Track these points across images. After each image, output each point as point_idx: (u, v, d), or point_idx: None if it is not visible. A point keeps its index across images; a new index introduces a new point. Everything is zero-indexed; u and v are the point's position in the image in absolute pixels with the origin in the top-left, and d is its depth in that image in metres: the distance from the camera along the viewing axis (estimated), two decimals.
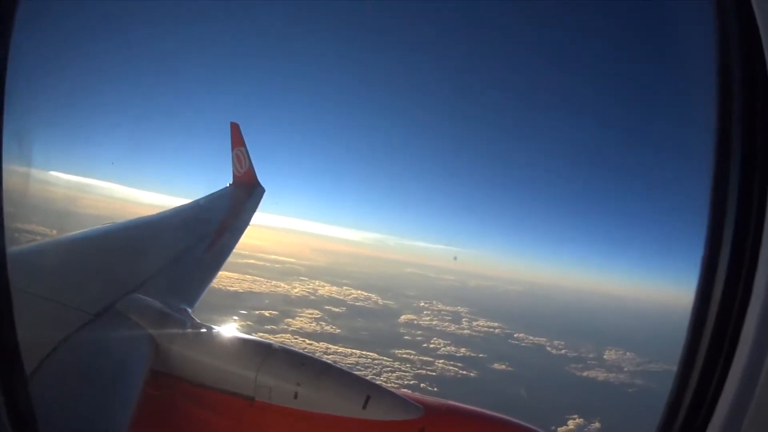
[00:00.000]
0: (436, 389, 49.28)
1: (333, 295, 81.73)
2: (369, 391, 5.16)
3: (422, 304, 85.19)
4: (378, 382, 5.45)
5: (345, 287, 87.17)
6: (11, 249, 6.27)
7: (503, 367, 59.28)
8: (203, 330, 6.23)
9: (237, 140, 16.08)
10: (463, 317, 79.28)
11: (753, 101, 2.12)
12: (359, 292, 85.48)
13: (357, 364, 52.47)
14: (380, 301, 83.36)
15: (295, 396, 5.24)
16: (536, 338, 73.06)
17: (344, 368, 5.99)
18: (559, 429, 41.52)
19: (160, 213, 11.93)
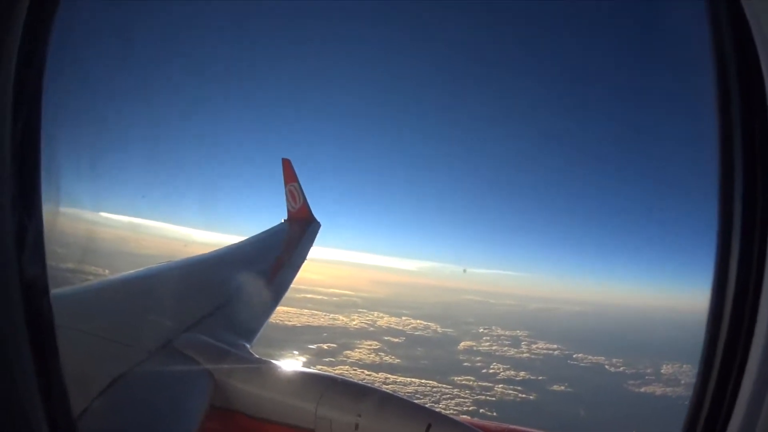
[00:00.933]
0: (495, 414, 49.12)
1: (392, 325, 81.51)
2: (429, 419, 5.12)
3: (481, 330, 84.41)
4: (437, 410, 5.51)
5: (404, 317, 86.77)
6: (65, 289, 6.67)
7: (562, 388, 58.65)
8: (261, 364, 6.26)
9: (289, 176, 16.04)
10: (522, 341, 78.51)
11: (750, 104, 2.13)
12: (418, 321, 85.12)
13: (416, 392, 52.28)
14: (439, 330, 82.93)
15: (356, 427, 5.18)
16: (595, 357, 71.98)
17: (404, 397, 6.01)
18: None
19: (217, 251, 12.03)
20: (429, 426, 4.96)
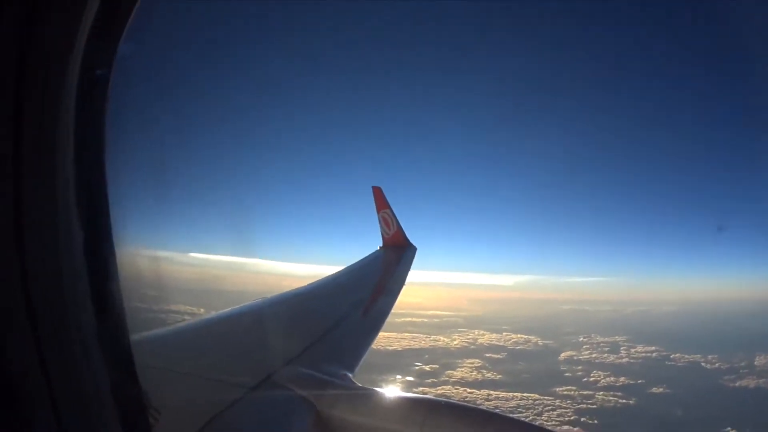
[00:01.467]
0: (596, 421, 50.24)
1: (493, 342, 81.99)
2: None
3: (581, 339, 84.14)
4: (539, 423, 5.88)
5: (504, 333, 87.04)
6: (159, 330, 6.90)
7: (661, 390, 58.47)
8: (363, 392, 6.17)
9: (381, 203, 16.05)
10: (621, 346, 78.04)
11: None
12: (518, 335, 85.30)
13: (518, 406, 53.75)
14: (540, 342, 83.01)
15: None
16: (691, 356, 70.91)
17: (508, 415, 6.06)
18: None
19: (315, 282, 11.87)
20: None
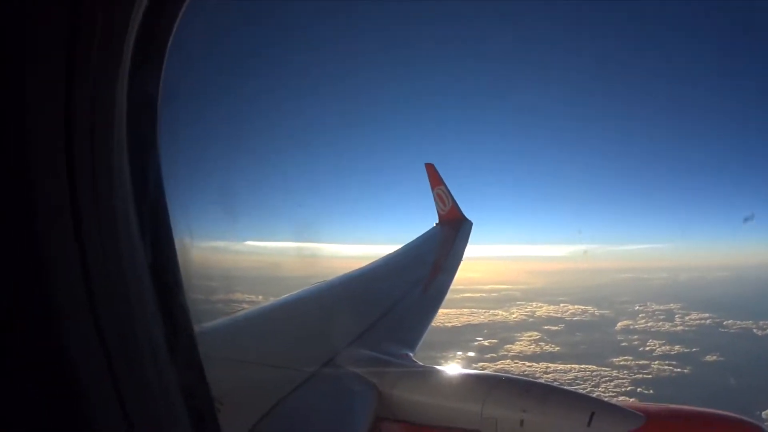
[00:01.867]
0: (651, 392, 50.67)
1: (550, 314, 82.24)
2: (592, 407, 5.10)
3: (637, 307, 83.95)
4: (596, 394, 6.26)
5: (562, 304, 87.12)
6: (221, 320, 7.47)
7: (714, 358, 58.82)
8: (424, 371, 6.23)
9: (435, 180, 15.90)
10: (676, 314, 77.92)
11: None
12: (576, 306, 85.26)
13: (576, 378, 54.28)
14: (597, 312, 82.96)
15: (521, 424, 5.13)
16: (743, 322, 70.66)
17: (566, 388, 6.18)
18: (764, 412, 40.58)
19: (371, 264, 11.94)
20: (592, 414, 4.97)
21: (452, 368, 6.59)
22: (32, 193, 1.49)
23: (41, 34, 1.45)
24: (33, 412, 1.49)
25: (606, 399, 6.09)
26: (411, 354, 7.04)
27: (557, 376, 54.75)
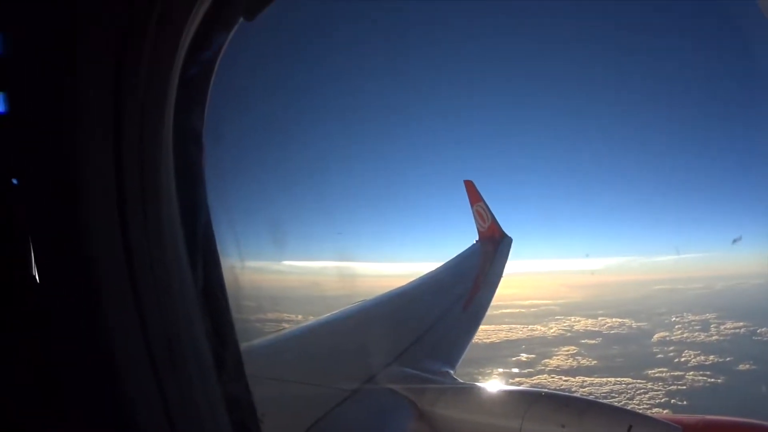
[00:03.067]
0: (685, 403, 50.62)
1: (588, 327, 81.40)
2: (630, 420, 5.14)
3: (673, 318, 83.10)
4: (631, 407, 7.82)
5: (600, 318, 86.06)
6: (262, 340, 7.71)
7: (747, 367, 58.56)
8: (463, 388, 6.23)
9: (474, 197, 15.93)
10: (711, 323, 77.07)
11: None
12: (614, 319, 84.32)
13: (611, 391, 54.28)
14: (634, 325, 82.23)
15: None
16: None
17: (604, 402, 6.27)
18: None
19: (412, 282, 11.88)
20: (630, 427, 4.97)
21: (491, 385, 6.51)
22: (85, 230, 1.54)
23: (91, 70, 1.51)
24: (85, 422, 1.56)
25: (641, 411, 6.35)
26: (451, 371, 7.06)
27: (593, 390, 55.01)
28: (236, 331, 2.14)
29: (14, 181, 1.54)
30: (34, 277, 1.53)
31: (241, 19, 1.98)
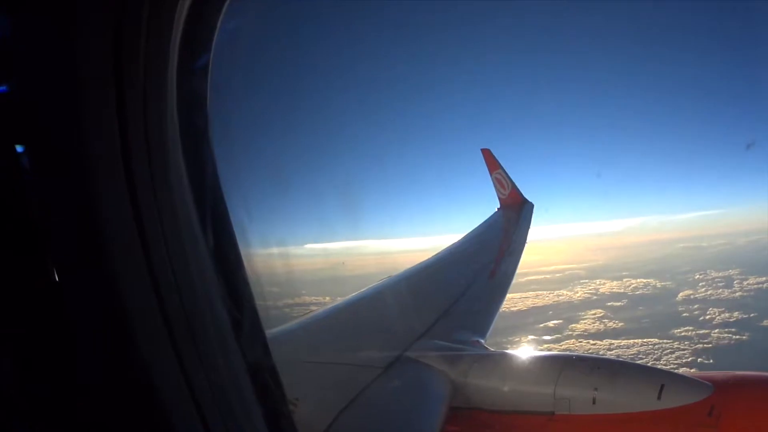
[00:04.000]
0: (711, 361, 50.67)
1: (614, 290, 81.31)
2: (662, 379, 5.16)
3: (697, 276, 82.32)
4: (659, 367, 7.24)
5: (625, 279, 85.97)
6: (291, 324, 7.76)
7: None
8: (495, 357, 6.27)
9: (492, 165, 15.73)
10: (735, 279, 76.59)
11: None
12: (638, 280, 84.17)
13: (639, 353, 54.68)
14: (659, 285, 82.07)
15: (593, 401, 5.12)
16: None
17: (635, 363, 6.34)
18: None
19: (438, 254, 11.83)
20: (662, 387, 5.00)
21: (523, 351, 6.91)
22: (95, 206, 1.52)
23: (90, 41, 1.49)
24: (112, 413, 1.56)
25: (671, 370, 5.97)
26: (482, 340, 7.06)
27: (620, 352, 55.33)
28: (261, 317, 2.14)
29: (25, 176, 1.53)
30: (52, 271, 1.53)
31: None
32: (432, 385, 5.81)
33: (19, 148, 1.54)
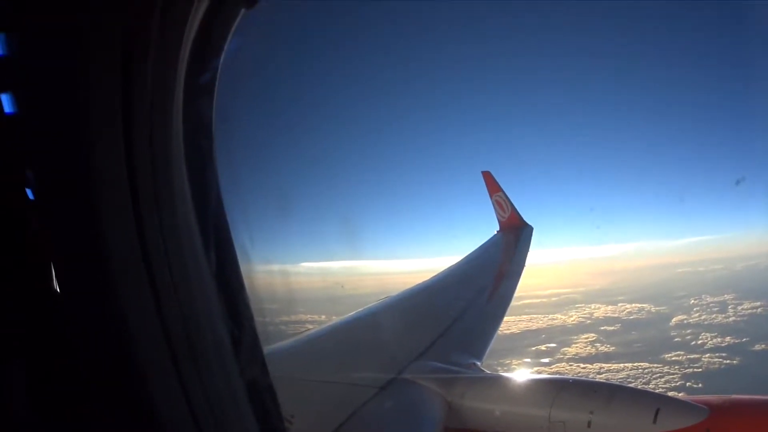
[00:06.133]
0: (700, 385, 49.92)
1: (608, 314, 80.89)
2: (657, 403, 5.19)
3: (692, 301, 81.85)
4: (662, 393, 5.82)
5: (620, 304, 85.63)
6: (288, 341, 7.96)
7: (763, 347, 57.76)
8: (491, 379, 6.30)
9: (493, 187, 15.81)
10: (729, 304, 76.03)
11: None
12: (633, 305, 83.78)
13: (628, 376, 53.63)
14: (653, 309, 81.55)
15: (589, 425, 5.14)
16: None
17: (631, 386, 6.33)
18: None
19: (437, 275, 12.06)
20: (658, 410, 4.98)
21: (519, 374, 6.91)
22: (102, 234, 1.52)
23: (98, 61, 1.49)
24: (107, 417, 1.56)
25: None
26: (478, 363, 7.13)
27: (610, 376, 54.57)
28: (259, 333, 2.15)
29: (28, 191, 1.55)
30: (54, 282, 1.55)
31: (243, 10, 1.95)
32: (427, 406, 5.78)
33: (26, 169, 1.57)
